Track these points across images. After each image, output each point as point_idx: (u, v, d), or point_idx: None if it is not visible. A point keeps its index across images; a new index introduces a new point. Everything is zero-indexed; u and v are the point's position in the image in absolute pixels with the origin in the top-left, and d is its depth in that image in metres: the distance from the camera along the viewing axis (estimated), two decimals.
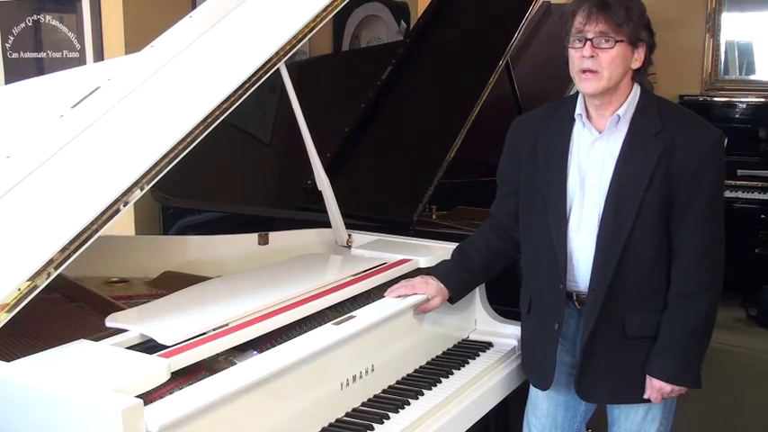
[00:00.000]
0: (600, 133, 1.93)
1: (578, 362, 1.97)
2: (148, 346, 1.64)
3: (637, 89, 1.93)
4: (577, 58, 1.85)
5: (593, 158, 1.93)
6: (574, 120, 1.96)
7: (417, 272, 2.22)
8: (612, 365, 1.96)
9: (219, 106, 1.84)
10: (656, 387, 1.94)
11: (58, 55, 3.95)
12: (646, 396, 1.96)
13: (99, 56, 3.79)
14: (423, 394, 1.92)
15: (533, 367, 2.10)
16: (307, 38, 2.04)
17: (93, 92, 1.96)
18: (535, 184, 2.00)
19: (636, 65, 1.88)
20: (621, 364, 1.95)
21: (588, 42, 1.82)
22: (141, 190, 1.68)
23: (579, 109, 1.95)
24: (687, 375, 1.94)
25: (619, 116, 1.90)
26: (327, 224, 2.48)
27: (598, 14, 1.81)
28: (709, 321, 1.94)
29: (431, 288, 2.07)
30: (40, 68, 3.96)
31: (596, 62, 1.83)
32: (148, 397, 1.44)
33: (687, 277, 1.90)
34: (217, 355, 1.67)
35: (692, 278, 1.90)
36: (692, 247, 1.89)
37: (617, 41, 1.82)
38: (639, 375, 1.96)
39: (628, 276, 1.90)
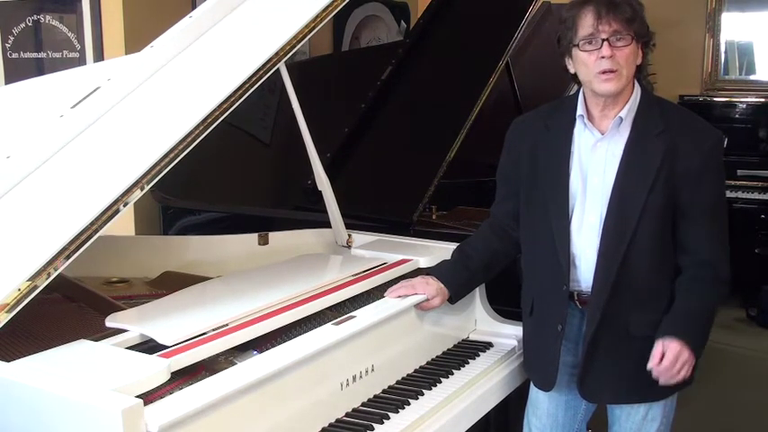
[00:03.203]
0: (602, 134, 1.93)
1: (581, 362, 1.96)
2: (148, 347, 1.64)
3: (638, 90, 1.93)
4: (593, 60, 1.84)
5: (595, 160, 1.93)
6: (574, 121, 1.96)
7: (417, 272, 2.22)
8: (615, 365, 1.95)
9: (219, 106, 1.83)
10: (674, 350, 1.83)
11: (58, 55, 3.95)
12: (653, 364, 1.85)
13: (99, 56, 3.79)
14: (423, 394, 1.92)
15: (536, 368, 2.10)
16: (307, 38, 2.03)
17: (93, 92, 1.96)
18: (536, 185, 2.00)
19: (638, 61, 1.89)
20: (624, 364, 1.95)
21: (605, 43, 1.82)
22: (141, 190, 1.68)
23: (580, 110, 1.94)
24: (700, 348, 1.88)
25: (621, 118, 1.90)
26: (327, 224, 2.48)
27: (608, 14, 1.81)
28: (716, 305, 1.92)
29: (431, 288, 2.07)
30: (40, 68, 3.97)
31: (614, 62, 1.82)
32: (148, 397, 1.44)
33: (698, 264, 1.89)
34: (217, 355, 1.67)
35: (703, 265, 1.89)
36: (699, 243, 1.89)
37: (632, 39, 1.82)
38: (642, 375, 1.95)
39: (631, 277, 1.90)
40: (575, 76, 1.93)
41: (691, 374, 1.97)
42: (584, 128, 1.95)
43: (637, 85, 1.93)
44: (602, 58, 1.82)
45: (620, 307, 1.91)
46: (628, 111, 1.90)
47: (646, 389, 1.97)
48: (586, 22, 1.83)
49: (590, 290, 1.94)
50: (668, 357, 1.84)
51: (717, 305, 1.93)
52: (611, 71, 1.83)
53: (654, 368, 1.85)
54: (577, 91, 1.98)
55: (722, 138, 1.94)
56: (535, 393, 2.14)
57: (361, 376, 1.85)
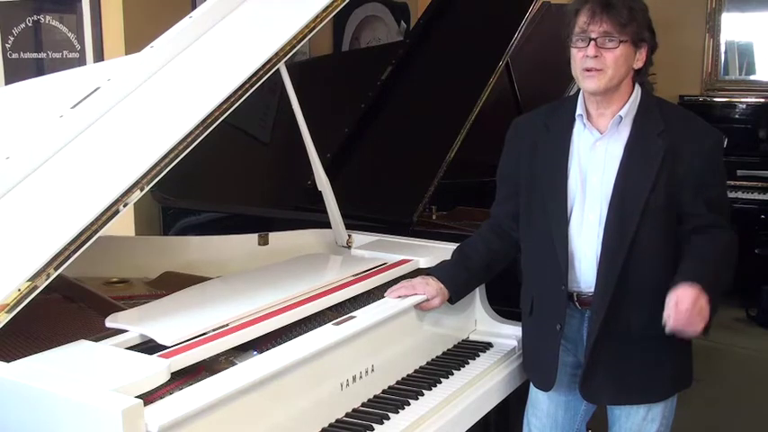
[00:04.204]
0: (601, 134, 1.93)
1: (584, 363, 1.96)
2: (148, 347, 1.64)
3: (638, 90, 1.93)
4: (580, 57, 1.85)
5: (594, 159, 1.93)
6: (574, 120, 1.96)
7: (417, 272, 2.22)
8: (617, 366, 1.95)
9: (219, 107, 1.84)
10: (690, 295, 1.72)
11: (58, 55, 3.95)
12: (668, 313, 1.74)
13: (99, 56, 3.79)
14: (423, 395, 1.92)
15: (535, 368, 2.10)
16: (307, 38, 2.04)
17: (92, 92, 1.95)
18: (535, 185, 2.00)
19: (638, 65, 1.89)
20: (626, 364, 1.95)
21: (592, 42, 1.82)
22: (141, 191, 1.68)
23: (580, 109, 1.95)
24: (716, 297, 1.77)
25: (621, 117, 1.90)
26: (327, 224, 2.48)
27: (602, 14, 1.81)
28: (730, 254, 1.88)
29: (431, 288, 2.07)
30: (40, 68, 3.97)
31: (600, 61, 1.83)
32: (148, 397, 1.44)
33: (706, 228, 1.87)
34: (217, 355, 1.67)
35: (708, 226, 1.87)
36: (706, 219, 1.88)
37: (621, 42, 1.82)
38: (643, 376, 1.96)
39: (633, 277, 1.90)
40: None
41: (691, 375, 1.97)
42: (584, 128, 1.95)
43: (636, 85, 1.93)
44: (587, 56, 1.83)
45: (623, 307, 1.91)
46: (627, 110, 1.91)
47: (647, 389, 1.97)
48: (581, 20, 1.84)
49: (590, 290, 1.95)
50: (684, 301, 1.73)
51: (730, 254, 1.88)
52: (594, 69, 1.83)
53: (670, 316, 1.74)
54: (578, 91, 1.98)
55: (722, 138, 1.94)
56: (535, 393, 2.14)
57: (361, 376, 1.85)
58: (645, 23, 1.86)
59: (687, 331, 1.77)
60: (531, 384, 2.14)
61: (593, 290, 1.94)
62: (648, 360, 1.95)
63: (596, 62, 1.83)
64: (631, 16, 1.82)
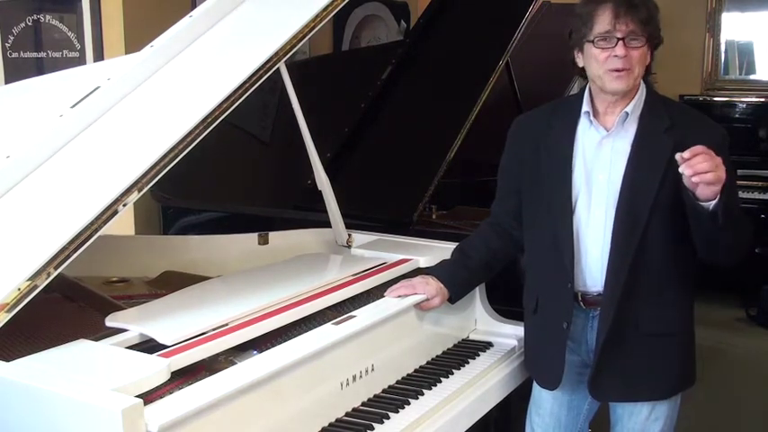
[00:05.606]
0: (607, 131, 1.93)
1: (593, 362, 1.96)
2: (148, 346, 1.64)
3: (643, 88, 1.94)
4: (605, 57, 1.85)
5: (600, 157, 1.93)
6: (578, 118, 1.96)
7: (417, 272, 2.22)
8: (626, 364, 1.95)
9: (219, 106, 1.83)
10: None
11: (58, 55, 3.95)
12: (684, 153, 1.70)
13: (99, 56, 3.80)
14: (423, 394, 1.92)
15: (540, 367, 2.10)
16: (307, 38, 2.04)
17: (92, 92, 1.95)
18: (539, 183, 2.00)
19: (647, 62, 1.90)
20: (634, 361, 1.95)
21: (620, 42, 1.83)
22: (140, 191, 1.68)
23: (586, 107, 1.95)
24: (731, 197, 1.80)
25: (627, 113, 1.90)
26: (327, 224, 2.47)
27: (627, 14, 1.82)
28: (746, 221, 1.96)
29: (430, 288, 2.07)
30: (40, 68, 3.97)
31: (627, 60, 1.84)
32: (148, 397, 1.44)
33: None
34: (217, 354, 1.67)
35: None
36: None
37: (645, 40, 1.84)
38: (650, 373, 1.96)
39: (643, 274, 1.90)
40: (582, 69, 1.94)
41: (694, 374, 1.97)
42: (590, 125, 1.95)
43: (642, 83, 1.93)
44: (616, 56, 1.83)
45: (632, 305, 1.91)
46: (633, 106, 1.91)
47: (653, 387, 1.97)
48: (604, 20, 1.84)
49: (595, 289, 1.95)
50: (700, 147, 1.68)
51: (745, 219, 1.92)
52: (623, 69, 1.84)
53: (687, 154, 1.68)
54: (583, 88, 1.98)
55: (727, 135, 1.94)
56: (538, 393, 2.14)
57: (361, 376, 1.85)
58: (657, 22, 1.88)
59: (700, 173, 1.68)
60: (535, 383, 2.14)
61: (598, 289, 1.94)
62: (655, 357, 1.95)
63: (624, 62, 1.83)
64: (650, 15, 1.84)
